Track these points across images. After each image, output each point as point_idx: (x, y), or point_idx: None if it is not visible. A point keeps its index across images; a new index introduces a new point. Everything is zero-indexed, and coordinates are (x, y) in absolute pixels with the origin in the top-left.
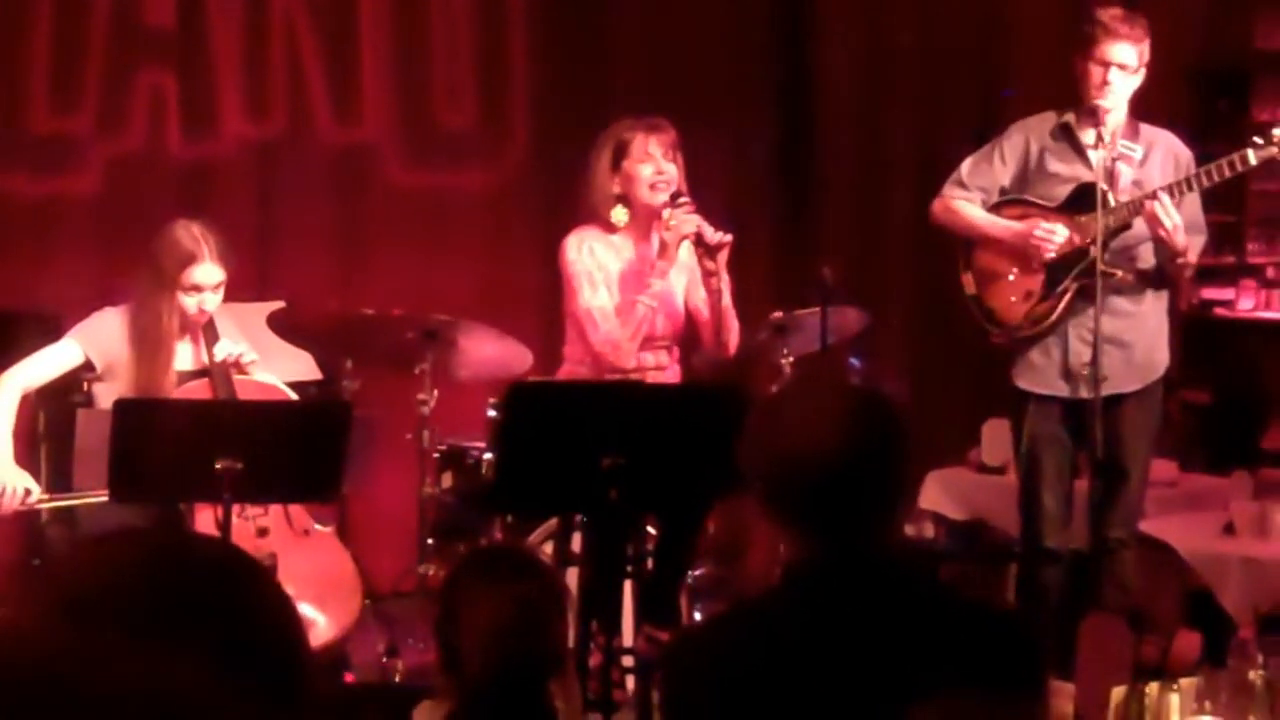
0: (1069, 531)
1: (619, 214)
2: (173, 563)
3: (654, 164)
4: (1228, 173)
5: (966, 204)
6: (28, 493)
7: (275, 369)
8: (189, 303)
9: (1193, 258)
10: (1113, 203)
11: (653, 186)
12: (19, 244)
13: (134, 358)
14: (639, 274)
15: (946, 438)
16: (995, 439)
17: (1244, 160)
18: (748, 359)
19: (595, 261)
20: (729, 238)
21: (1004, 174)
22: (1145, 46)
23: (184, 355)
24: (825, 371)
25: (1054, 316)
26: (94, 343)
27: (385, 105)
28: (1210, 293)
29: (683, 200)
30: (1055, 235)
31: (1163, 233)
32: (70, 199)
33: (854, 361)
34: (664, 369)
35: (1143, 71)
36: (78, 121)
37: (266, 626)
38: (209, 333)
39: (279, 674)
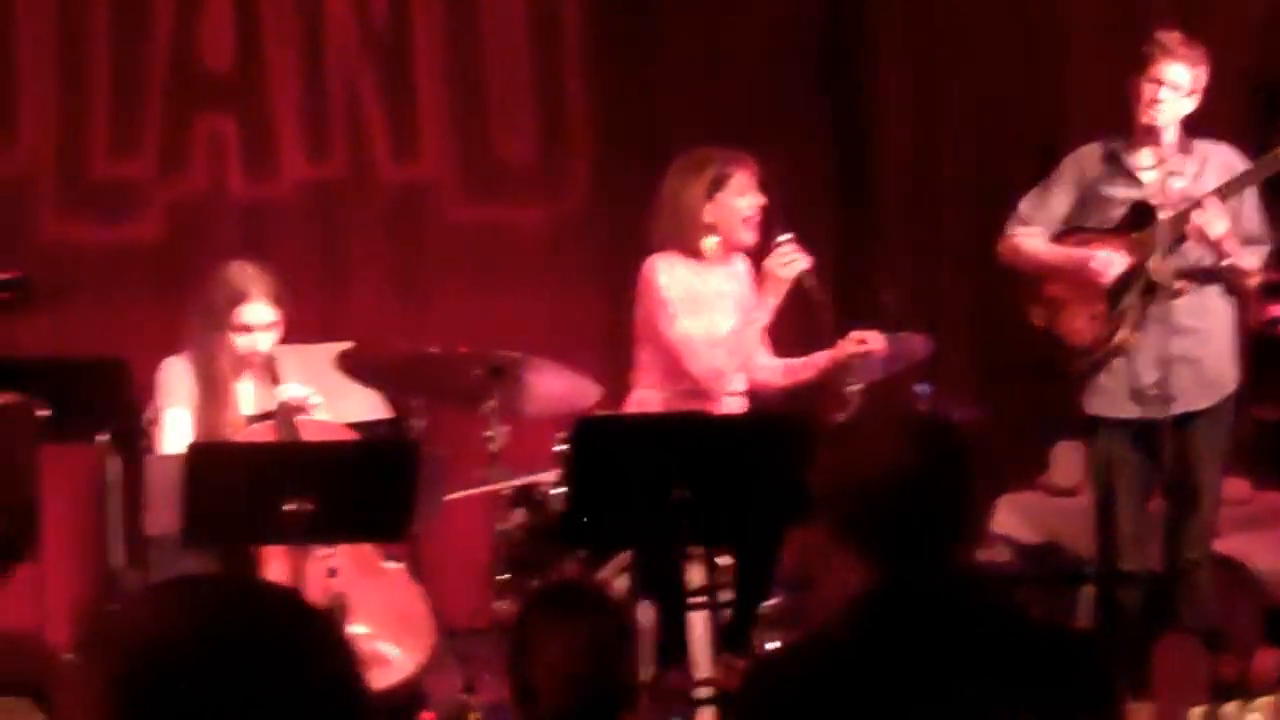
0: (1146, 553)
1: (710, 243)
2: (236, 610)
3: (750, 199)
4: (1276, 167)
5: (1030, 238)
6: None
7: (345, 409)
8: (240, 342)
9: (1246, 264)
10: (1163, 218)
11: (746, 220)
12: (83, 290)
13: (199, 400)
14: (731, 302)
15: (1017, 462)
16: (1065, 461)
17: None
18: (815, 387)
19: (685, 288)
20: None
21: (1061, 205)
22: (1201, 72)
23: (248, 399)
24: (892, 399)
25: (1120, 336)
26: (181, 396)
27: (444, 142)
28: (1278, 309)
29: (789, 236)
30: (1111, 267)
31: (1209, 243)
32: (132, 244)
33: (922, 388)
34: (736, 394)
35: (1196, 98)
36: (138, 166)
37: (328, 673)
38: (271, 374)
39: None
